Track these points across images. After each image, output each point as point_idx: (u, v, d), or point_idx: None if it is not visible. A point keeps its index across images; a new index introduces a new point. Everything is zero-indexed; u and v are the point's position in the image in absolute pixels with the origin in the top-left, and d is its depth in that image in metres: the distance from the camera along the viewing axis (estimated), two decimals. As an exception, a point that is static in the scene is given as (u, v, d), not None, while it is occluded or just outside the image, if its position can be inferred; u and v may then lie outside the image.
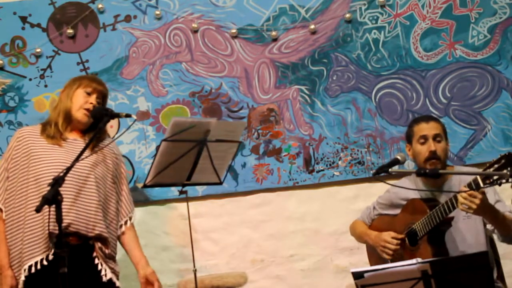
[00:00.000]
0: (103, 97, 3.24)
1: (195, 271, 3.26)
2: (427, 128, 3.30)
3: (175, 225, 4.03)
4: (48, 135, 3.14)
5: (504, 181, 2.69)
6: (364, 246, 3.81)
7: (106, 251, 3.14)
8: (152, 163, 3.06)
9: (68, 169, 2.82)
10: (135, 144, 4.06)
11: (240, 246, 4.08)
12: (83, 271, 3.06)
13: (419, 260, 2.60)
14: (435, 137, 3.27)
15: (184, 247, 3.98)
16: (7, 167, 3.15)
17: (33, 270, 2.98)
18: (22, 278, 2.98)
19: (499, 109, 4.08)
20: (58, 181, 2.68)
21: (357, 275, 2.64)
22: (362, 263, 3.87)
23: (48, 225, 2.85)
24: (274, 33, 4.13)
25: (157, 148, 3.11)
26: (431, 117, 3.43)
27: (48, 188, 2.79)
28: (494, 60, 4.11)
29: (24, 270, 2.98)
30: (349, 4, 4.15)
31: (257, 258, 4.08)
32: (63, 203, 2.89)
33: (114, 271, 3.15)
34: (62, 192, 2.88)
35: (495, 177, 2.73)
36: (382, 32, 4.13)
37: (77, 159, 2.88)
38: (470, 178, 3.09)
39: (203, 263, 4.02)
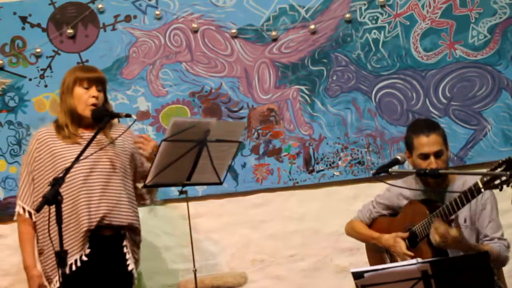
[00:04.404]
0: (102, 83, 3.25)
1: (195, 271, 3.27)
2: (427, 145, 3.16)
3: (175, 225, 4.03)
4: (64, 136, 3.18)
5: (506, 185, 2.67)
6: (364, 245, 3.81)
7: (136, 238, 3.27)
8: (152, 163, 3.06)
9: (68, 169, 2.84)
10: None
11: (240, 246, 4.08)
12: (113, 260, 3.17)
13: (419, 260, 2.61)
14: (436, 154, 3.17)
15: (184, 247, 3.98)
16: (30, 170, 3.20)
17: (73, 267, 3.07)
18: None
19: (499, 109, 4.08)
20: (58, 181, 2.69)
21: (357, 275, 2.64)
22: (362, 263, 3.87)
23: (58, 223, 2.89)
24: (274, 33, 4.13)
25: (157, 148, 3.11)
26: (431, 127, 3.22)
27: (78, 186, 3.03)
28: (494, 60, 4.10)
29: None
30: (349, 4, 4.14)
31: (257, 258, 4.08)
32: (94, 196, 3.08)
33: (136, 261, 3.26)
34: (91, 187, 3.09)
35: (496, 182, 2.71)
36: (382, 32, 4.13)
37: (77, 159, 2.90)
38: (473, 181, 3.10)
39: (203, 263, 4.02)
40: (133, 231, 3.25)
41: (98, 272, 3.12)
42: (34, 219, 3.18)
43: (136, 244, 3.28)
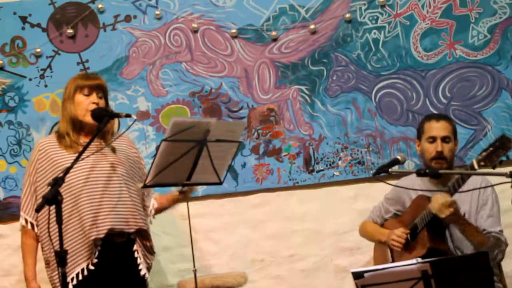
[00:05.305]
0: (103, 90, 3.25)
1: (195, 271, 3.26)
2: (436, 129, 3.35)
3: (175, 225, 4.03)
4: (66, 146, 3.18)
5: (498, 163, 2.80)
6: (364, 246, 3.82)
7: (147, 243, 3.27)
8: (152, 163, 3.06)
9: (68, 169, 2.84)
10: (135, 144, 4.04)
11: (240, 246, 4.08)
12: (125, 266, 3.17)
13: (419, 260, 2.61)
14: (443, 139, 3.33)
15: (184, 247, 3.98)
16: (32, 180, 3.20)
17: (80, 277, 3.08)
18: (69, 287, 3.06)
19: (499, 109, 4.08)
20: (58, 181, 2.69)
21: (357, 275, 2.64)
22: (362, 263, 3.88)
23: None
24: (274, 33, 4.13)
25: (157, 148, 3.11)
26: (443, 116, 3.48)
27: (82, 195, 3.03)
28: (494, 60, 4.10)
29: (72, 279, 3.06)
30: (349, 4, 4.14)
31: (257, 258, 4.08)
32: (96, 203, 3.08)
33: (148, 266, 3.26)
34: (92, 194, 3.08)
35: (488, 161, 2.83)
36: (382, 32, 4.13)
37: (77, 159, 2.90)
38: (475, 179, 3.13)
39: (203, 263, 4.02)
40: (142, 236, 3.25)
41: (110, 279, 3.12)
42: (36, 230, 3.18)
43: (148, 249, 3.27)
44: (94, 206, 3.11)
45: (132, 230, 3.17)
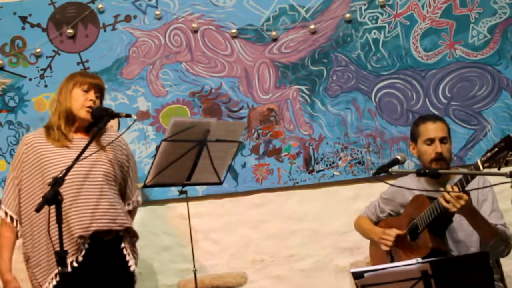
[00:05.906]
0: (101, 91, 3.25)
1: (195, 271, 3.27)
2: (433, 130, 3.32)
3: (175, 225, 4.04)
4: (54, 139, 3.15)
5: (504, 164, 2.74)
6: (364, 246, 3.82)
7: (134, 239, 3.26)
8: (152, 163, 3.06)
9: (68, 169, 2.83)
10: (135, 144, 4.06)
11: (240, 246, 4.08)
12: (114, 262, 3.16)
13: (419, 260, 2.61)
14: (441, 140, 3.31)
15: (184, 247, 3.98)
16: (17, 175, 3.18)
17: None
18: (53, 283, 3.04)
19: (499, 109, 4.08)
20: (58, 181, 2.69)
21: (357, 275, 2.63)
22: (362, 263, 3.88)
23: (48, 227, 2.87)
24: (274, 33, 4.13)
25: (157, 148, 3.11)
26: (437, 117, 3.45)
27: (67, 190, 2.97)
28: (494, 60, 4.11)
29: (56, 275, 3.02)
30: (349, 4, 4.15)
31: (257, 258, 4.08)
32: (91, 203, 3.07)
33: (135, 260, 3.26)
34: (84, 200, 3.06)
35: (493, 162, 2.78)
36: (382, 32, 4.13)
37: (77, 159, 2.89)
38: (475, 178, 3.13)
39: (203, 263, 4.02)
40: (129, 233, 3.24)
41: (100, 275, 3.11)
42: (15, 224, 3.15)
43: (134, 245, 3.27)
44: (83, 205, 3.08)
45: (120, 228, 3.17)
